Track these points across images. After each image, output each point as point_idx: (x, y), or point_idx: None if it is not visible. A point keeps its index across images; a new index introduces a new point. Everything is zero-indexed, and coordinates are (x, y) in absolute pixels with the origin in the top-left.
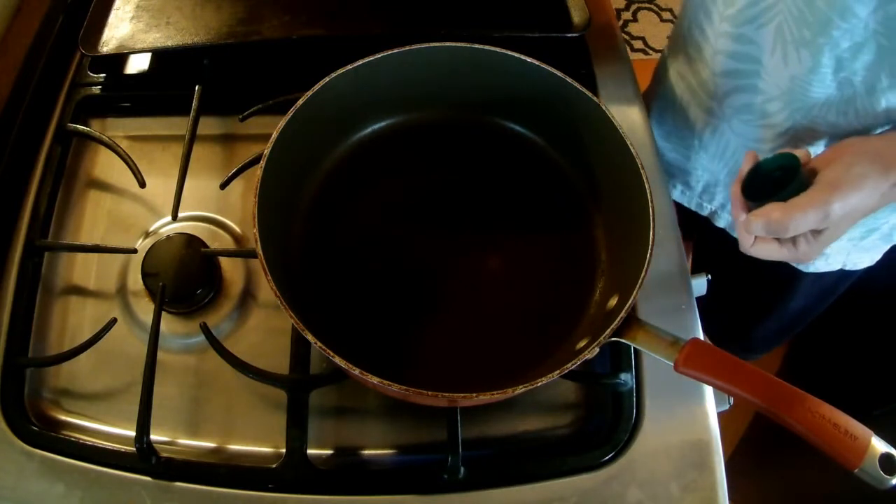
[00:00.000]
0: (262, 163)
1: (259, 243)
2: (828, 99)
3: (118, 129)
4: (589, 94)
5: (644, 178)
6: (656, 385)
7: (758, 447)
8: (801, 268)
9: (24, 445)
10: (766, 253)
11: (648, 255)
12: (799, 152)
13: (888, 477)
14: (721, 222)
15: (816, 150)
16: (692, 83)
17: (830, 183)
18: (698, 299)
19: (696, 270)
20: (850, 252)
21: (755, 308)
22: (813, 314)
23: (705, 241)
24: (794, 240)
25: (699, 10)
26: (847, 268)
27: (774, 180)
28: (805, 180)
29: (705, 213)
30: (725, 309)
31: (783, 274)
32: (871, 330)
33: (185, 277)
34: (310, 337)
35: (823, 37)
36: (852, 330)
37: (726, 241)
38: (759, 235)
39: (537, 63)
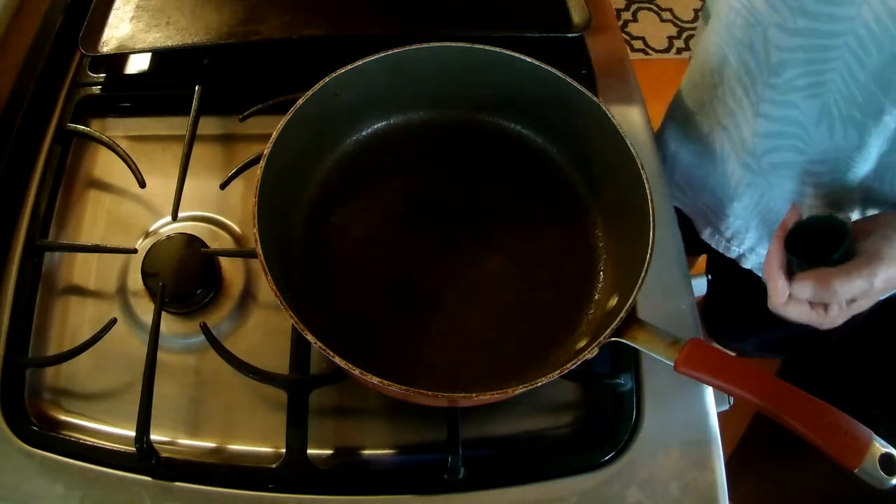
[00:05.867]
0: (262, 163)
1: (259, 243)
2: (869, 170)
3: (118, 129)
4: (589, 94)
5: (644, 179)
6: (656, 385)
7: (758, 447)
8: None
9: (24, 445)
10: (795, 314)
11: (648, 256)
12: (844, 217)
13: (888, 477)
14: (748, 264)
15: (848, 214)
16: (734, 137)
17: (875, 254)
18: (707, 314)
19: (708, 283)
20: None
21: (766, 328)
22: (822, 343)
23: (720, 263)
24: (826, 305)
25: (739, 64)
26: None
27: (818, 241)
28: (853, 248)
29: (733, 255)
30: (734, 328)
31: None
32: (870, 331)
33: (185, 277)
34: (310, 337)
35: (874, 120)
36: (852, 331)
37: (744, 271)
38: (799, 297)
39: (537, 63)
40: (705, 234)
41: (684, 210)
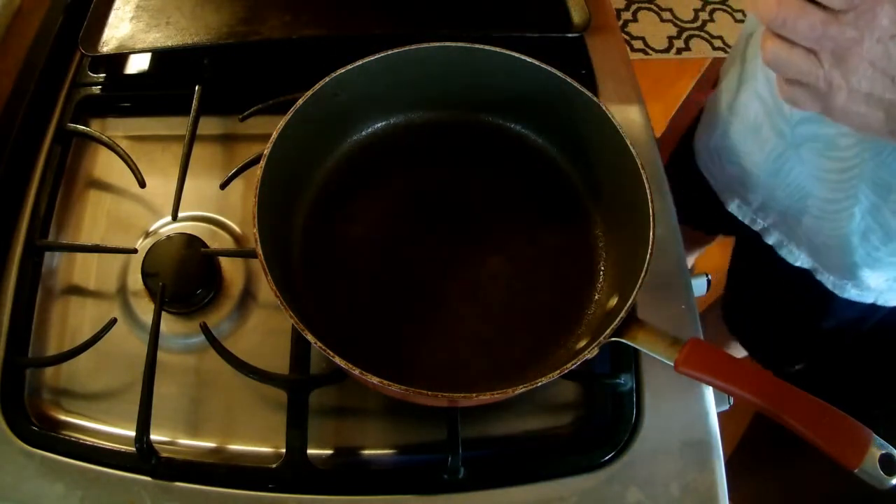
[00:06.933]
0: (262, 163)
1: (259, 243)
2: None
3: (118, 129)
4: (589, 94)
5: (644, 179)
6: (656, 385)
7: (758, 447)
8: (837, 292)
9: (24, 445)
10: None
11: (648, 256)
12: None
13: (888, 477)
14: (770, 239)
15: (878, 194)
16: (769, 105)
17: None
18: (730, 309)
19: (732, 276)
20: (884, 291)
21: (788, 322)
22: (839, 341)
23: (747, 252)
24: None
25: None
26: (878, 303)
27: None
28: None
29: (757, 228)
30: (757, 320)
31: (819, 293)
32: (871, 330)
33: (185, 277)
34: (310, 337)
35: None
36: (866, 332)
37: (770, 257)
38: None
39: (537, 63)
40: (732, 206)
41: (711, 182)
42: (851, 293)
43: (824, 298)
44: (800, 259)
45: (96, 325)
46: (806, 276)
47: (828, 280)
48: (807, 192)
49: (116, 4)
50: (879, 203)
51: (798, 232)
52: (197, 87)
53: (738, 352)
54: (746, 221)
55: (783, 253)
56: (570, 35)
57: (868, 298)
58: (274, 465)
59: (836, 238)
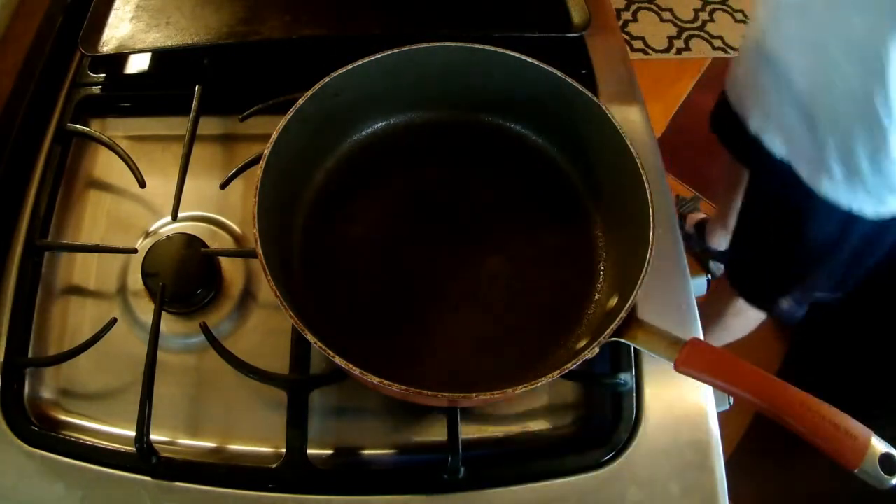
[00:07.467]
0: (262, 163)
1: (259, 243)
2: None
3: (118, 129)
4: (589, 94)
5: (644, 179)
6: (656, 385)
7: (758, 447)
8: (812, 185)
9: (24, 445)
10: None
11: (648, 256)
12: None
13: (888, 477)
14: (753, 125)
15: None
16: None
17: None
18: (730, 259)
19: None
20: (857, 195)
21: (776, 240)
22: (826, 257)
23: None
24: None
25: None
26: (853, 210)
27: None
28: None
29: (748, 118)
30: (750, 250)
31: (799, 194)
32: (871, 329)
33: (185, 277)
34: (310, 337)
35: None
36: (853, 329)
37: (760, 165)
38: None
39: (537, 63)
40: (731, 96)
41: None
42: (826, 187)
43: (804, 202)
44: (776, 146)
45: (96, 325)
46: (787, 175)
47: (803, 171)
48: (788, 67)
49: (116, 4)
50: (842, 61)
51: (779, 119)
52: (197, 87)
53: (740, 321)
54: (737, 110)
55: (765, 140)
56: (570, 35)
57: (842, 200)
58: (274, 465)
59: (808, 115)
